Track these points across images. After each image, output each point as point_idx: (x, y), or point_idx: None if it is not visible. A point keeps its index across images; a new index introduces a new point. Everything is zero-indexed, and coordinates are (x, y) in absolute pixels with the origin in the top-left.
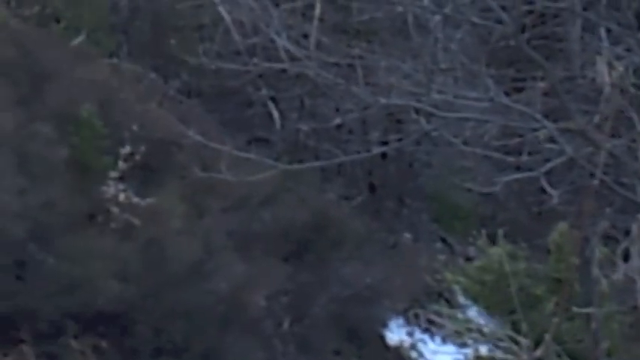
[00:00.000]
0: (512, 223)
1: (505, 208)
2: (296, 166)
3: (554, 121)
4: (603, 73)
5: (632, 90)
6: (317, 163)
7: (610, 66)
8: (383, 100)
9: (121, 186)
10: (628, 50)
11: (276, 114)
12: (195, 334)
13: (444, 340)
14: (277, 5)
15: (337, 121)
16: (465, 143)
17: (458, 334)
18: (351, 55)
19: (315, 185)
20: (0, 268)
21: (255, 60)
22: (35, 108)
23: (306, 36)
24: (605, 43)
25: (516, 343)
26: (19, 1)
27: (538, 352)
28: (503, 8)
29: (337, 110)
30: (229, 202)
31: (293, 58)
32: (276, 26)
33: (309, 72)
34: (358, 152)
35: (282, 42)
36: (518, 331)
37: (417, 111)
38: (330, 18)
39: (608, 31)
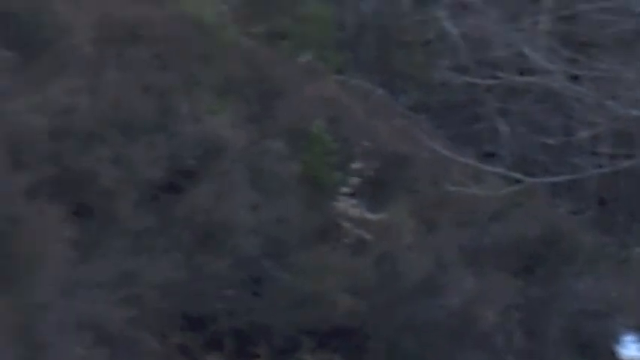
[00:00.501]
0: None
1: None
2: (539, 180)
3: None
4: None
5: None
6: (550, 179)
7: None
8: (637, 113)
9: (353, 201)
10: None
11: (504, 128)
12: (428, 349)
13: None
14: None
15: (585, 134)
16: None
17: None
18: (596, 68)
19: (545, 199)
20: (237, 283)
21: (500, 74)
22: (266, 124)
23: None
24: None
25: None
26: (247, 19)
27: None
28: None
29: (567, 122)
30: (459, 217)
31: (522, 72)
32: (520, 40)
33: (556, 85)
34: (600, 166)
35: (531, 55)
36: None
37: None
38: (560, 31)
39: None
